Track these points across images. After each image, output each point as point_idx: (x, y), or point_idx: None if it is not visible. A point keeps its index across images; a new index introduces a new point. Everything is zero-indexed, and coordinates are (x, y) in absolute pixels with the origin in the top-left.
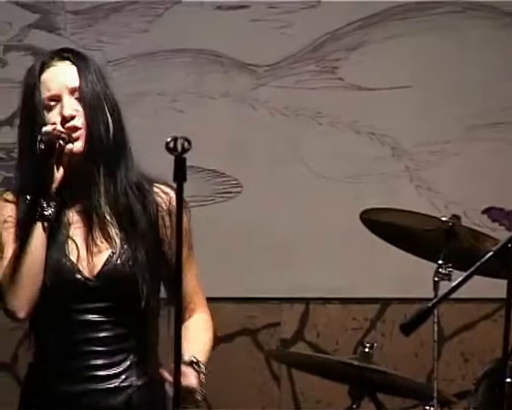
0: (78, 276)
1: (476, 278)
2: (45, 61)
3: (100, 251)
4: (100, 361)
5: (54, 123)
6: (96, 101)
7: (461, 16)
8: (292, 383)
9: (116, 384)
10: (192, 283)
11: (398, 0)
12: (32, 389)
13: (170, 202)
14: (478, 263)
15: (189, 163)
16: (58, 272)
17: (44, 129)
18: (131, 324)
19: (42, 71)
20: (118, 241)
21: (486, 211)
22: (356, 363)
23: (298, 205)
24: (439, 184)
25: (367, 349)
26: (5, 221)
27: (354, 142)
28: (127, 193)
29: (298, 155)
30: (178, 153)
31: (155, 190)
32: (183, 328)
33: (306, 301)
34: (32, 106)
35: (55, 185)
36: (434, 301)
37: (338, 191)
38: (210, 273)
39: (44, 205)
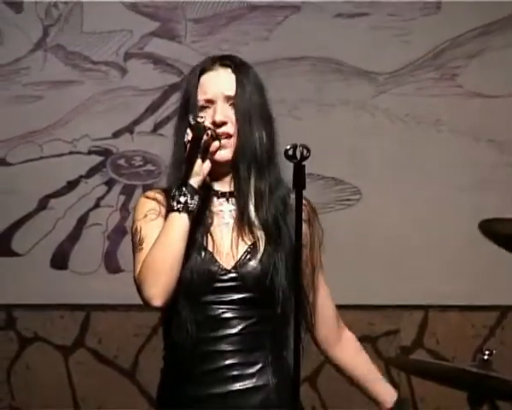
0: (215, 268)
1: None
2: (207, 63)
3: (241, 245)
4: (235, 360)
5: (203, 117)
6: (250, 112)
7: None
8: (411, 390)
9: (252, 384)
10: (330, 299)
11: None
12: (167, 395)
13: (308, 212)
14: None
15: (308, 171)
16: (196, 262)
17: (195, 119)
18: (265, 321)
19: (202, 73)
20: (261, 241)
21: None
22: (475, 370)
23: (417, 212)
24: None
25: (486, 356)
26: (145, 215)
27: (473, 149)
28: (275, 205)
29: (417, 162)
30: (297, 160)
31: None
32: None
33: (426, 308)
34: (189, 105)
35: (200, 178)
36: None
37: (457, 198)
38: (330, 281)
39: (188, 196)
